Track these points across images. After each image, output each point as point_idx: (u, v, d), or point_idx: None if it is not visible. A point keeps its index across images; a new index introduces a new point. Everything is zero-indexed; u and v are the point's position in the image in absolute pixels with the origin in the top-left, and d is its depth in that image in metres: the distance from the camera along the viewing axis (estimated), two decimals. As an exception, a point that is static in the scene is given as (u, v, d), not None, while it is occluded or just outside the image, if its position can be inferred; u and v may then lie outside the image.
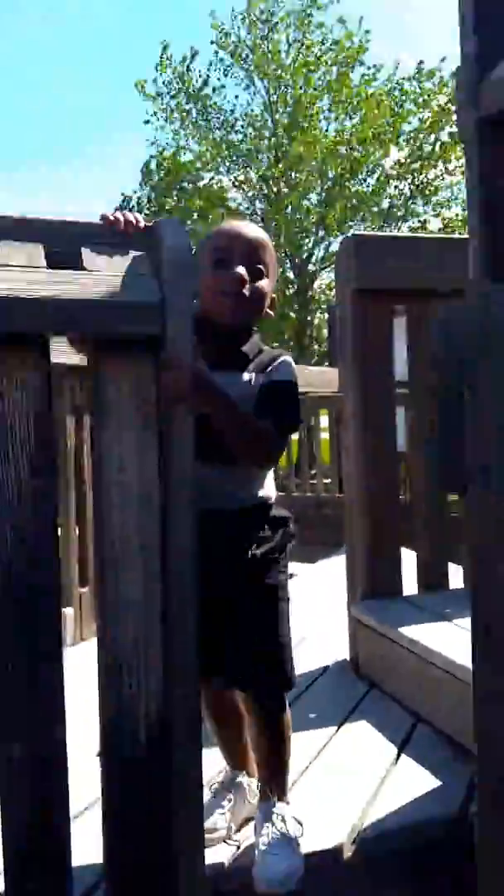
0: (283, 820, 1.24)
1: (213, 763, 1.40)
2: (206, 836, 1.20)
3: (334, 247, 14.73)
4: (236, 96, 14.79)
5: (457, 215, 14.12)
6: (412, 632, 1.88)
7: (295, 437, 4.05)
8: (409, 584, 2.23)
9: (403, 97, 14.22)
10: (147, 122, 14.87)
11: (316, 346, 15.17)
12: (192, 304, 1.09)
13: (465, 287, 1.21)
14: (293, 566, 1.33)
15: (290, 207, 14.13)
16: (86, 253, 1.07)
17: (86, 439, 2.66)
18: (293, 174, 14.12)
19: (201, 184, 14.65)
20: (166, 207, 14.48)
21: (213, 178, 14.74)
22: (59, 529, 2.58)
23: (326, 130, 14.33)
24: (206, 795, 1.32)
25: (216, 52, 14.29)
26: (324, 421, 5.89)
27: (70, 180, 38.54)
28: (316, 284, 15.02)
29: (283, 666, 1.27)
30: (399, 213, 14.66)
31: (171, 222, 1.11)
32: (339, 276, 2.35)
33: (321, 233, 14.68)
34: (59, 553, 1.04)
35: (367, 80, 14.18)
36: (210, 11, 14.35)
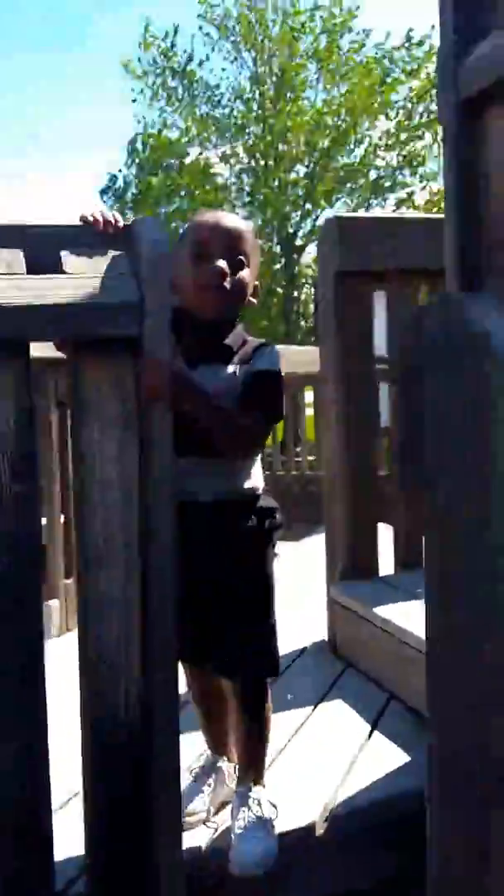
0: (259, 804, 1.28)
1: (194, 748, 1.45)
2: (186, 819, 1.26)
3: (321, 220, 14.62)
4: (223, 69, 14.50)
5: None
6: (386, 611, 1.94)
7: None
8: (388, 562, 2.29)
9: (392, 66, 14.02)
10: (134, 100, 14.66)
11: (303, 323, 15.12)
12: (169, 302, 1.11)
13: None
14: (279, 546, 1.36)
15: (277, 181, 13.97)
16: (65, 255, 1.09)
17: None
18: (281, 146, 13.94)
19: (188, 160, 14.44)
20: (152, 184, 14.29)
21: (200, 154, 14.53)
22: (45, 521, 2.63)
23: (314, 101, 14.14)
24: (187, 780, 1.38)
25: (200, 27, 14.01)
26: (308, 397, 5.92)
27: (59, 158, 37.82)
28: (303, 259, 14.92)
29: (269, 654, 1.31)
30: (387, 185, 14.55)
31: (149, 220, 1.13)
32: (321, 258, 2.36)
33: (308, 206, 14.55)
34: (41, 561, 1.07)
35: (355, 48, 13.96)
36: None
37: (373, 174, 14.51)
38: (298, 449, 6.05)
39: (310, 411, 6.03)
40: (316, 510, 2.46)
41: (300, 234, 14.71)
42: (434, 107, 13.72)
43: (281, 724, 1.65)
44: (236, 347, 1.29)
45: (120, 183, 15.54)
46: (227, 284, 1.25)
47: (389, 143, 14.29)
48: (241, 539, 1.28)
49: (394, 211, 14.24)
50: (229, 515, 1.27)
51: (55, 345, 1.15)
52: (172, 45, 14.17)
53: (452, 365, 0.87)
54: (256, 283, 1.33)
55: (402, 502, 2.31)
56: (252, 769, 1.34)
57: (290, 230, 14.59)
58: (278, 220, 14.23)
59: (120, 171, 15.55)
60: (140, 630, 1.08)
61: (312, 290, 12.76)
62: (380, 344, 2.30)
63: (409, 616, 1.87)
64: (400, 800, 1.44)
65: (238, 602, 1.28)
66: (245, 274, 1.27)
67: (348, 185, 14.43)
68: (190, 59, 14.19)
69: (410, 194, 14.53)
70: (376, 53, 13.95)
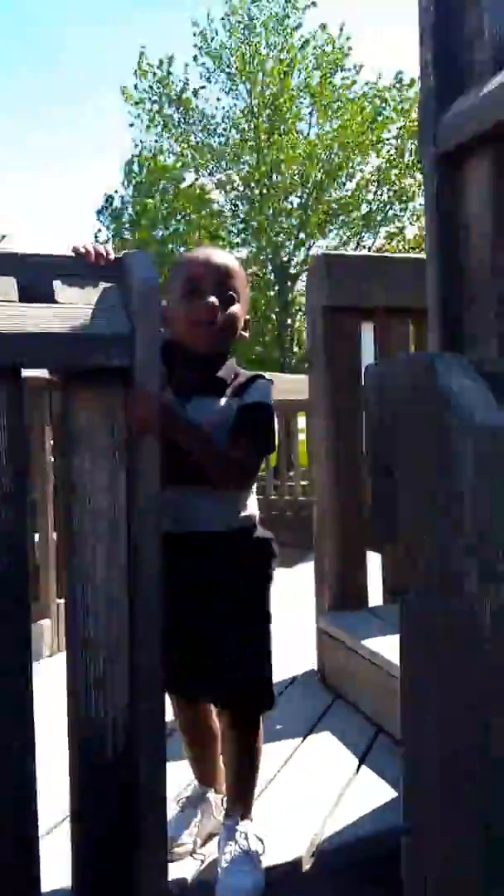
0: (246, 837, 1.27)
1: (181, 777, 1.44)
2: (173, 850, 1.25)
3: (314, 251, 14.83)
4: (218, 99, 14.84)
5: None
6: (374, 644, 1.94)
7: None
8: (377, 591, 2.28)
9: (384, 105, 14.35)
10: (131, 124, 14.95)
11: (297, 349, 15.24)
12: (159, 334, 1.12)
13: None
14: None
15: (271, 210, 14.19)
16: (58, 285, 1.11)
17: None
18: (275, 176, 14.19)
19: (183, 185, 14.68)
20: (148, 206, 14.50)
21: (196, 180, 14.79)
22: (38, 539, 2.63)
23: (307, 134, 14.43)
24: (174, 809, 1.37)
25: (195, 57, 14.35)
26: (301, 422, 5.95)
27: (57, 177, 38.30)
28: (297, 287, 15.10)
29: (265, 688, 1.31)
30: (378, 218, 14.79)
31: (139, 255, 1.15)
32: (309, 294, 2.40)
33: (302, 235, 14.76)
34: (29, 587, 1.07)
35: (347, 84, 14.30)
36: (192, 21, 14.40)
37: (364, 207, 14.77)
38: (292, 473, 6.05)
39: (303, 436, 6.05)
40: (309, 535, 2.46)
41: (294, 262, 14.90)
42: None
43: (270, 755, 1.64)
44: (229, 380, 1.31)
45: (117, 203, 15.76)
46: (218, 320, 1.27)
47: (381, 178, 14.57)
48: (239, 571, 1.28)
49: (384, 245, 14.48)
50: (227, 547, 1.27)
51: (48, 370, 1.17)
52: (169, 73, 14.49)
53: (419, 424, 0.88)
54: (247, 317, 1.36)
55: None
56: (240, 802, 1.33)
57: (285, 258, 14.79)
58: (272, 248, 14.43)
59: (116, 192, 15.80)
60: (128, 658, 1.08)
61: (305, 317, 12.88)
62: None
63: (398, 649, 1.86)
64: (388, 835, 1.42)
65: (236, 635, 1.27)
66: (236, 309, 1.30)
67: (341, 217, 14.67)
68: (184, 87, 14.52)
69: (401, 229, 14.78)
70: (367, 91, 14.30)
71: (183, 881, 1.26)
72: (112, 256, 1.17)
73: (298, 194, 14.68)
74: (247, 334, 1.36)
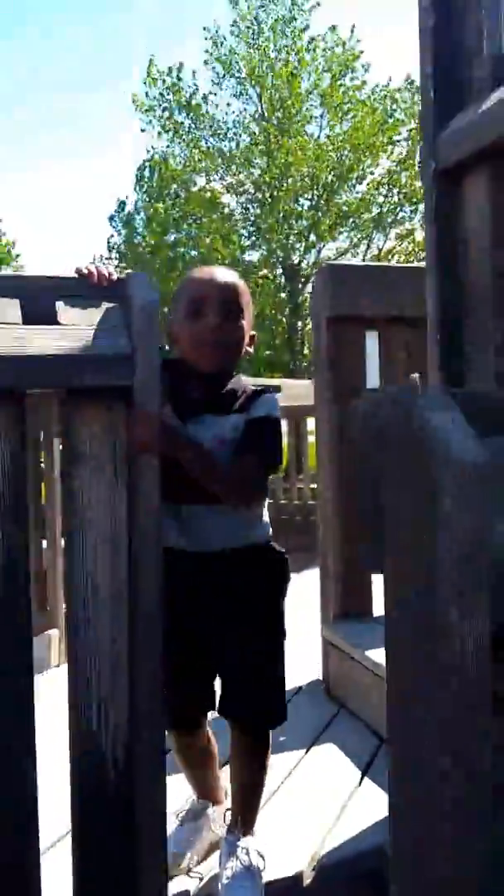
0: (248, 853, 1.28)
1: (181, 791, 1.44)
2: (172, 865, 1.25)
3: (325, 253, 14.84)
4: (228, 104, 14.91)
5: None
6: (379, 655, 1.94)
7: (283, 442, 4.06)
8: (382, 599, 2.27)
9: (394, 107, 14.34)
10: (143, 130, 15.06)
11: (307, 352, 15.24)
12: (159, 354, 1.13)
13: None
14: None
15: (281, 213, 14.21)
16: (60, 307, 1.12)
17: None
18: (286, 179, 14.21)
19: (194, 189, 14.75)
20: (158, 210, 14.58)
21: (206, 184, 14.85)
22: (45, 546, 2.64)
23: (318, 137, 14.44)
24: (174, 823, 1.37)
25: (205, 62, 14.42)
26: (311, 424, 5.94)
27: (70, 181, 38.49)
28: (307, 290, 15.11)
29: (277, 702, 1.31)
30: (388, 220, 14.78)
31: (140, 276, 1.16)
32: (314, 303, 2.42)
33: (312, 237, 14.78)
34: (29, 612, 1.08)
35: (357, 85, 14.31)
36: (203, 27, 14.48)
37: (374, 210, 14.76)
38: (301, 476, 6.04)
39: (312, 438, 6.04)
40: (317, 539, 2.47)
41: (304, 265, 14.91)
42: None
43: (274, 766, 1.63)
44: (236, 396, 1.31)
45: (129, 208, 15.88)
46: (223, 339, 1.28)
47: (391, 180, 14.55)
48: (254, 589, 1.28)
49: (394, 247, 14.42)
50: (241, 564, 1.28)
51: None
52: (179, 79, 14.58)
53: (402, 460, 0.89)
54: (253, 332, 1.37)
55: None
56: (244, 818, 1.33)
57: (295, 261, 14.80)
58: (283, 251, 14.45)
59: (127, 197, 15.96)
60: (128, 675, 1.09)
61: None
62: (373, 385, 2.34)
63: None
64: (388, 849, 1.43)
65: (250, 653, 1.28)
66: (241, 326, 1.31)
67: (351, 219, 14.66)
68: (194, 92, 14.60)
69: (411, 231, 14.75)
70: (378, 93, 14.29)
71: (184, 895, 1.26)
72: (114, 277, 1.18)
73: (309, 197, 14.69)
74: (252, 349, 1.37)
